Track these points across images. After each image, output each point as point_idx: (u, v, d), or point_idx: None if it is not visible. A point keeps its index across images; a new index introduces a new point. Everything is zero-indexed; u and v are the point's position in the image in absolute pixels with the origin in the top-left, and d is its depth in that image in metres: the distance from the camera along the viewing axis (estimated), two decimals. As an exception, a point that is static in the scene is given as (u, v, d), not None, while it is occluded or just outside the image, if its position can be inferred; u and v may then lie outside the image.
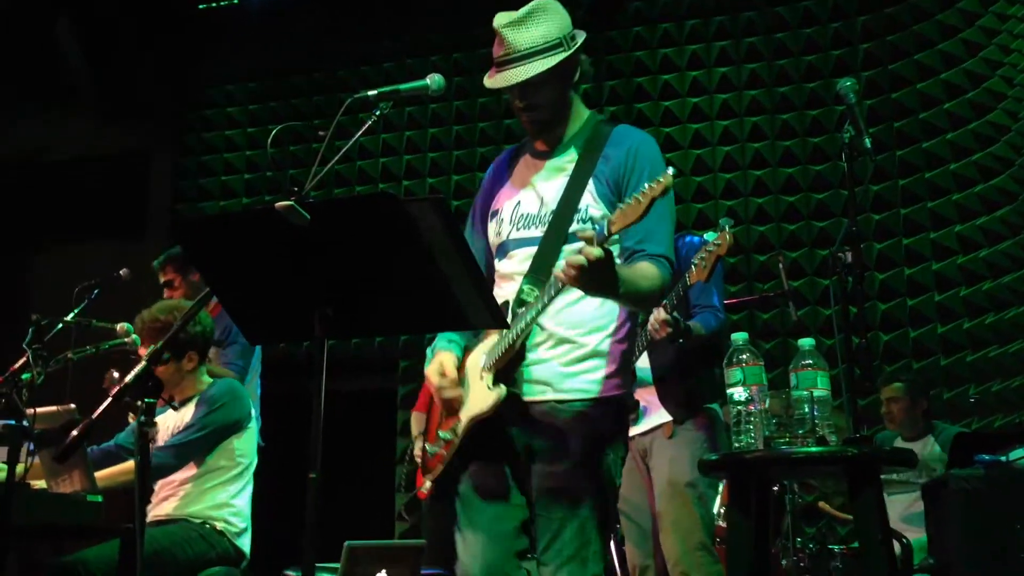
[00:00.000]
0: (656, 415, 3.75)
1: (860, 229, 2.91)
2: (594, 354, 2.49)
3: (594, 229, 2.25)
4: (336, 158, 2.63)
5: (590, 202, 2.51)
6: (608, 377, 2.48)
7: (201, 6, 7.63)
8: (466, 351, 2.63)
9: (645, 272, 2.41)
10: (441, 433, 2.60)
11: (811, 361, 2.54)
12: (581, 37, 2.59)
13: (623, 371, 2.52)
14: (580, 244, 2.22)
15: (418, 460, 2.69)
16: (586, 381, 2.47)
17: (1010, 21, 5.43)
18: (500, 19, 2.53)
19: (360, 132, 2.47)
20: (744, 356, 2.57)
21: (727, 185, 6.53)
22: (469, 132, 7.20)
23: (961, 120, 5.87)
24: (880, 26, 6.32)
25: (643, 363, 3.63)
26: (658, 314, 3.49)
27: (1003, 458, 3.34)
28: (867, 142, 2.82)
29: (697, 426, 3.70)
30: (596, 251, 2.15)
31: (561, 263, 2.33)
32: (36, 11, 7.30)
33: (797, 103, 6.49)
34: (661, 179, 2.23)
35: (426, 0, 7.24)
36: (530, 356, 2.49)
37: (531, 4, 2.55)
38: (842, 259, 2.76)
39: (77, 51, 7.33)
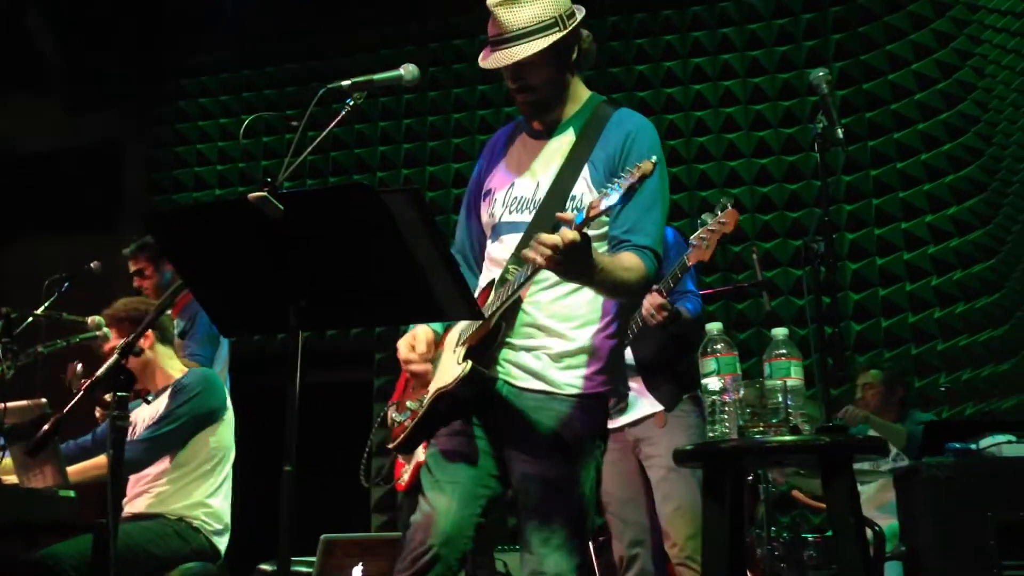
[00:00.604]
0: (643, 404, 3.75)
1: (833, 219, 2.93)
2: (583, 350, 2.48)
3: (576, 212, 2.22)
4: (309, 149, 2.60)
5: (584, 190, 2.46)
6: (597, 373, 2.48)
7: (173, -5, 7.55)
8: (448, 326, 2.61)
9: (626, 263, 2.37)
10: (409, 403, 2.59)
11: (785, 351, 2.56)
12: (580, 14, 2.52)
13: (611, 367, 2.51)
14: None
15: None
16: (575, 376, 2.47)
17: (980, 12, 5.47)
18: (492, 1, 2.47)
19: (334, 123, 2.45)
20: (719, 346, 2.58)
21: (701, 176, 6.55)
22: (444, 123, 7.18)
23: (932, 111, 5.92)
24: (852, 17, 6.36)
25: (627, 353, 3.64)
26: (653, 299, 3.49)
27: (973, 446, 3.38)
28: (839, 133, 2.83)
29: (689, 411, 3.72)
30: (572, 234, 2.12)
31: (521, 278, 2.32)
32: (5, 1, 7.20)
33: (770, 94, 6.52)
34: (641, 165, 2.17)
35: (400, -10, 7.21)
36: (519, 344, 2.48)
37: None
38: (815, 249, 2.78)
39: (48, 40, 7.24)
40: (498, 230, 2.58)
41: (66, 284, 4.30)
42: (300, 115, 2.44)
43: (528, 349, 2.48)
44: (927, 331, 5.85)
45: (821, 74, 2.95)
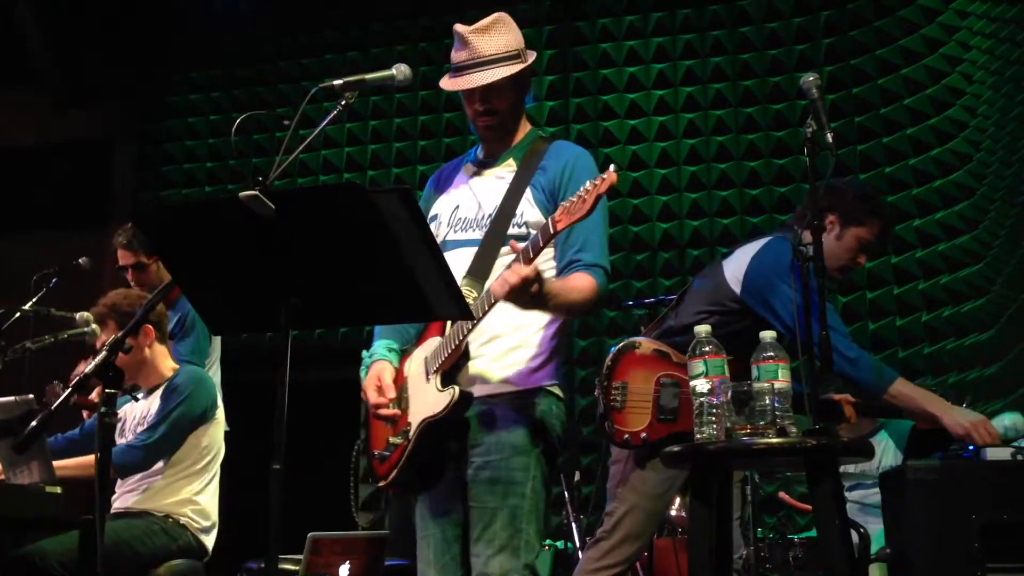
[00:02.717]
0: None
1: (821, 223, 2.95)
2: (522, 346, 2.58)
3: (529, 236, 2.41)
4: (301, 148, 2.61)
5: (526, 208, 2.61)
6: (537, 369, 2.58)
7: (164, -8, 7.53)
8: (403, 355, 2.69)
9: (576, 284, 2.54)
10: (391, 438, 2.61)
11: (772, 353, 2.57)
12: (532, 56, 2.72)
13: (551, 362, 2.61)
14: (521, 245, 2.38)
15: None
16: (515, 373, 2.56)
17: (969, 18, 5.50)
18: (462, 27, 2.65)
19: (325, 122, 2.47)
20: (707, 348, 2.59)
21: (691, 178, 6.57)
22: (435, 122, 7.18)
23: (921, 116, 5.95)
24: (842, 21, 6.38)
25: None
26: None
27: (954, 447, 3.40)
28: (828, 137, 2.85)
29: None
30: (525, 269, 2.30)
31: (495, 277, 2.44)
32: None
33: (760, 97, 6.55)
34: (605, 176, 2.31)
35: (392, -11, 7.21)
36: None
37: (493, 16, 2.68)
38: (804, 251, 2.80)
39: (37, 36, 7.20)
40: (443, 247, 2.65)
41: (55, 280, 4.29)
42: (291, 113, 2.46)
43: (472, 356, 2.57)
44: (914, 334, 5.88)
45: (811, 79, 2.97)
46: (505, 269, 2.38)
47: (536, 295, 2.35)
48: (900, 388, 3.25)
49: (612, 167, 2.33)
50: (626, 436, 3.25)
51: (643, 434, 3.24)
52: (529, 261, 2.34)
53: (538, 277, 2.33)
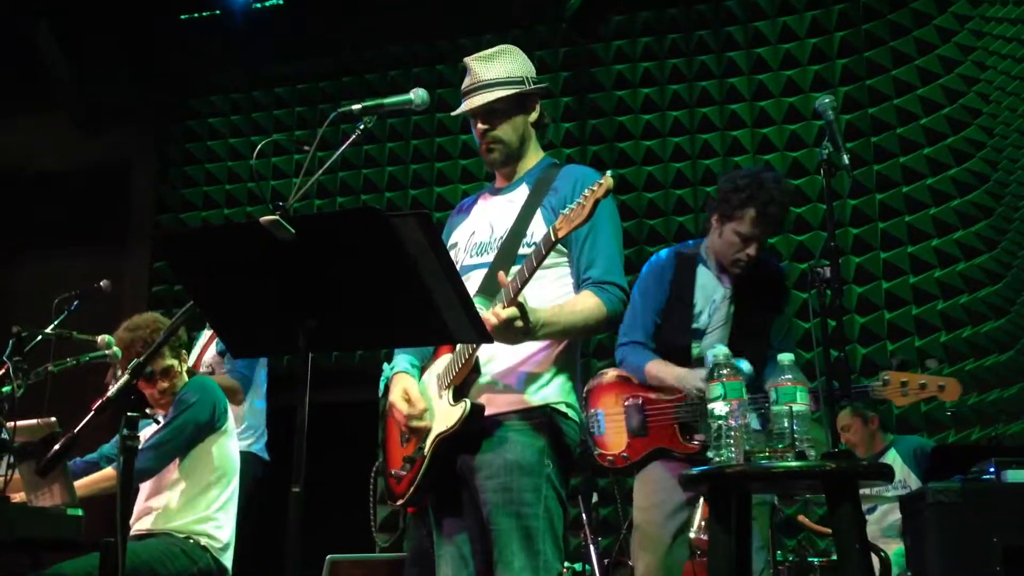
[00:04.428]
0: None
1: (838, 243, 2.95)
2: (528, 363, 2.58)
3: (533, 246, 2.47)
4: (320, 171, 2.64)
5: (537, 228, 2.63)
6: (544, 386, 2.59)
7: (184, 16, 7.61)
8: (421, 372, 2.73)
9: (578, 306, 2.55)
10: (406, 456, 2.62)
11: (791, 376, 2.56)
12: (542, 84, 2.81)
13: (558, 379, 2.61)
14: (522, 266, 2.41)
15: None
16: (522, 391, 2.57)
17: (985, 38, 5.50)
18: (469, 57, 2.77)
19: (344, 146, 2.49)
20: (724, 371, 2.59)
21: (707, 198, 6.55)
22: (451, 144, 7.22)
23: (938, 135, 5.94)
24: (858, 42, 6.39)
25: None
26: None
27: (974, 469, 3.38)
28: (845, 159, 2.85)
29: None
30: (504, 312, 2.33)
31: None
32: (16, 18, 7.26)
33: (776, 118, 6.55)
34: (601, 181, 2.34)
35: (409, 12, 7.26)
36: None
37: (499, 47, 2.79)
38: (820, 273, 2.79)
39: (58, 59, 7.29)
40: (461, 273, 2.66)
41: (76, 303, 4.31)
42: (309, 136, 2.48)
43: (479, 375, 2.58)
44: (933, 355, 5.84)
45: (827, 101, 2.98)
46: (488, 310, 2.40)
47: (523, 330, 2.37)
48: (650, 369, 3.53)
49: (608, 172, 2.38)
50: (609, 458, 3.60)
51: (624, 454, 3.58)
52: (511, 301, 2.35)
53: (523, 314, 2.34)
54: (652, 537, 3.54)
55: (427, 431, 2.58)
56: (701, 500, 4.17)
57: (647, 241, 6.52)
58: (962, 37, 5.75)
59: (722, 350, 2.67)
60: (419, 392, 2.61)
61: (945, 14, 5.86)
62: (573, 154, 6.77)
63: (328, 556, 3.88)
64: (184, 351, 3.88)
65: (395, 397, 2.62)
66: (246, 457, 4.47)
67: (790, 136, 6.49)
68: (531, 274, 2.42)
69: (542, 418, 2.56)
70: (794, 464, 2.48)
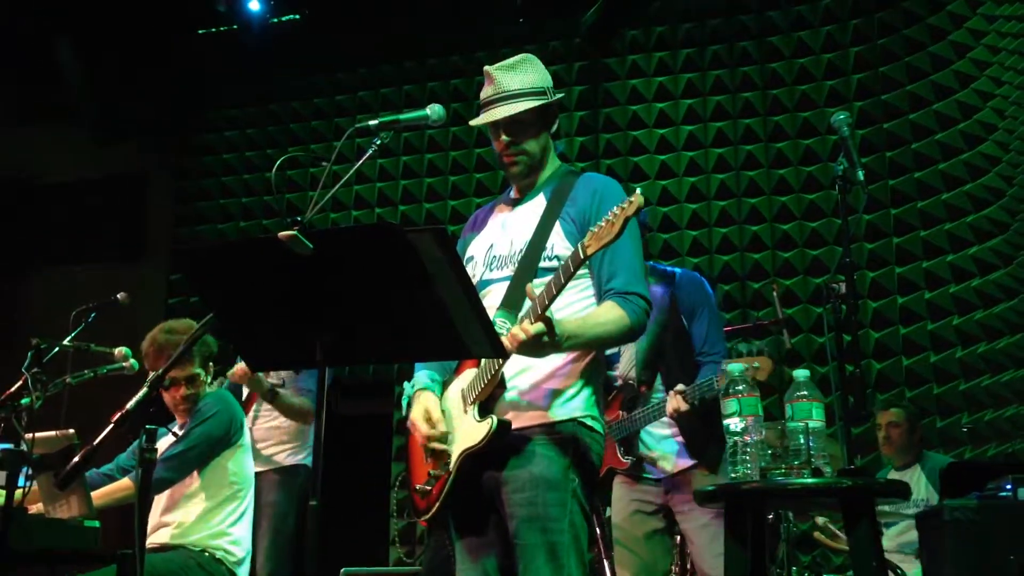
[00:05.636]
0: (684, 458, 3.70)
1: (853, 259, 2.95)
2: (554, 376, 2.56)
3: (558, 262, 2.45)
4: (337, 186, 2.67)
5: (556, 240, 2.62)
6: (570, 400, 2.57)
7: (201, 31, 7.67)
8: (443, 387, 2.70)
9: (601, 317, 2.52)
10: (432, 472, 2.62)
11: (806, 392, 2.56)
12: (560, 95, 2.78)
13: (584, 392, 2.60)
14: (547, 279, 2.42)
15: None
16: (547, 405, 2.55)
17: (1001, 54, 5.49)
18: (491, 66, 2.72)
19: (360, 161, 2.51)
20: (740, 387, 2.59)
21: (721, 213, 6.57)
22: (466, 158, 7.24)
23: (953, 150, 5.93)
24: (873, 57, 6.39)
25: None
26: (679, 404, 3.47)
27: (991, 486, 3.35)
28: (860, 174, 2.86)
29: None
30: (532, 328, 2.30)
31: (527, 308, 2.46)
32: (36, 31, 7.32)
33: (791, 132, 6.56)
34: (632, 199, 2.33)
35: (424, 27, 7.30)
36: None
37: (520, 56, 2.75)
38: (835, 288, 2.79)
39: (77, 72, 7.35)
40: (480, 287, 2.68)
41: (93, 315, 4.33)
42: (324, 151, 2.50)
43: (504, 389, 2.57)
44: (949, 371, 5.83)
45: (842, 117, 2.99)
46: (516, 324, 2.39)
47: (550, 344, 2.35)
48: None
49: (638, 190, 2.36)
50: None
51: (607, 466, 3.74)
52: (539, 316, 2.33)
53: (549, 328, 2.32)
54: (627, 554, 3.73)
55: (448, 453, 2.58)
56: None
57: (660, 256, 6.52)
58: (977, 52, 5.74)
59: (737, 367, 2.67)
60: (440, 413, 2.61)
61: (960, 29, 5.86)
62: (587, 167, 6.78)
63: (343, 568, 3.88)
64: (211, 362, 3.89)
65: (416, 416, 2.61)
66: (306, 471, 4.60)
67: (804, 151, 6.49)
68: (559, 291, 2.41)
69: (568, 432, 2.55)
70: (810, 481, 2.48)
